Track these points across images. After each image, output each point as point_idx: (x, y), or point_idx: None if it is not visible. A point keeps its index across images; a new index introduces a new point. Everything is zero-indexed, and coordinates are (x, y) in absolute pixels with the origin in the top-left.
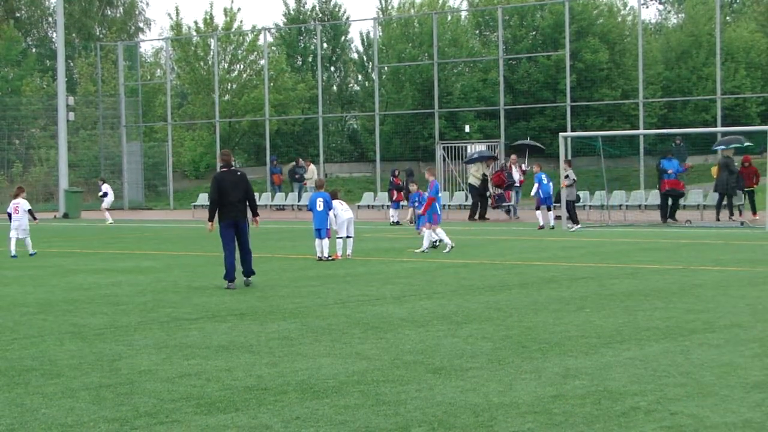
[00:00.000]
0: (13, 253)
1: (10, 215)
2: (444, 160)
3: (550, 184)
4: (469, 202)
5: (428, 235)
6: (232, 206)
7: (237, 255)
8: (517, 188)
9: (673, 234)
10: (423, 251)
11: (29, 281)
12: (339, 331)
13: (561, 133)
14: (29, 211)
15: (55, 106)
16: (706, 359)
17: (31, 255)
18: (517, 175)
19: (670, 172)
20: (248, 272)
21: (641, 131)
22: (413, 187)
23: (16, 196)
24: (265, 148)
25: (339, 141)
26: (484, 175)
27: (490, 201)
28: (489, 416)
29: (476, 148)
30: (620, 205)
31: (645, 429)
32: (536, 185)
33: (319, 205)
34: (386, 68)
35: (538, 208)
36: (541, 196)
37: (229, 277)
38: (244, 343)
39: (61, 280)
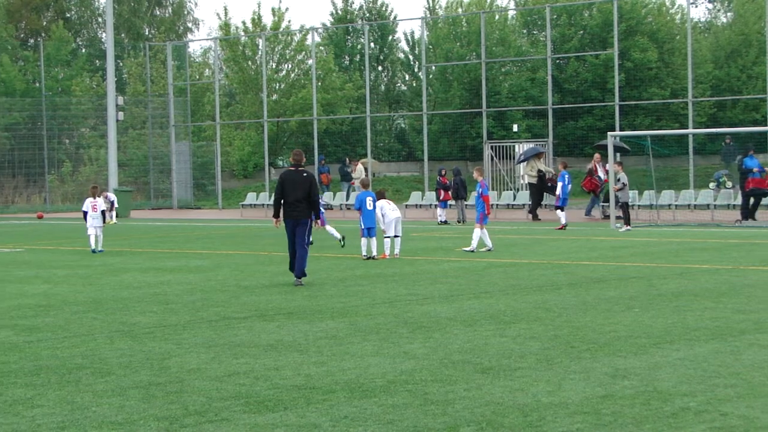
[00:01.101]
0: (93, 247)
1: (85, 213)
2: (492, 159)
3: (570, 185)
4: (519, 201)
5: (477, 234)
6: (291, 205)
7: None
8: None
9: (722, 234)
10: (471, 250)
11: (80, 280)
12: (387, 330)
13: (609, 133)
14: (102, 212)
15: (105, 105)
16: (756, 360)
17: (95, 252)
18: (602, 175)
19: (756, 170)
20: (298, 273)
21: (690, 131)
22: (475, 175)
23: (92, 195)
24: (313, 147)
25: (387, 140)
26: (539, 171)
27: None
28: (538, 416)
29: (524, 147)
30: (669, 205)
31: (695, 430)
32: (560, 184)
33: (369, 204)
34: (434, 67)
35: (558, 208)
36: (560, 196)
37: (296, 273)
38: (292, 342)
39: (111, 279)
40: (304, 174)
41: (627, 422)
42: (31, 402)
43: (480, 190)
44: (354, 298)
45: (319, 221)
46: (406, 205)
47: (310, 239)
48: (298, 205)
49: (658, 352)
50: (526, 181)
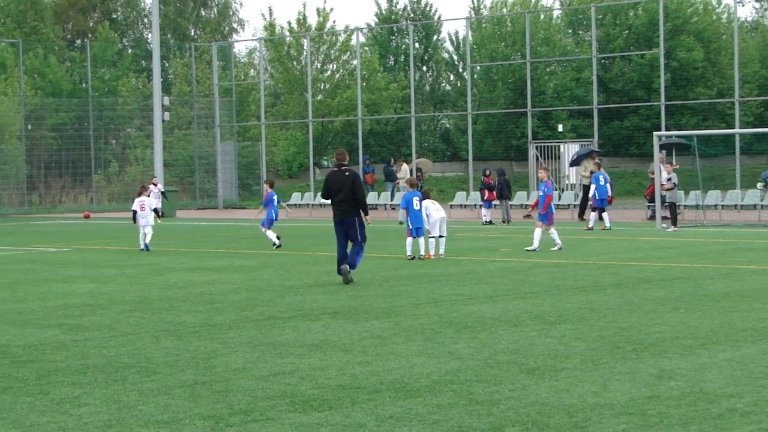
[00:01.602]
0: (141, 246)
1: (135, 213)
2: (537, 159)
3: (608, 185)
4: (564, 201)
5: (543, 234)
6: (337, 204)
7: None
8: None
9: None
10: (534, 249)
11: (126, 280)
12: (432, 330)
13: (655, 133)
14: (154, 210)
15: (151, 106)
16: None
17: (143, 250)
18: (665, 174)
19: None
20: (350, 262)
21: (737, 130)
22: (541, 174)
23: (140, 194)
24: (357, 147)
25: (431, 140)
26: (592, 172)
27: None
28: (583, 417)
29: (569, 147)
30: (715, 205)
31: (742, 431)
32: (593, 186)
33: (416, 203)
34: (478, 67)
35: (594, 210)
36: (597, 197)
37: (339, 269)
38: (337, 342)
39: (157, 279)
40: (347, 173)
41: (673, 423)
42: (78, 400)
43: (545, 189)
44: (399, 298)
45: (367, 218)
46: (451, 206)
47: (365, 235)
48: (343, 204)
49: (704, 353)
50: (581, 182)
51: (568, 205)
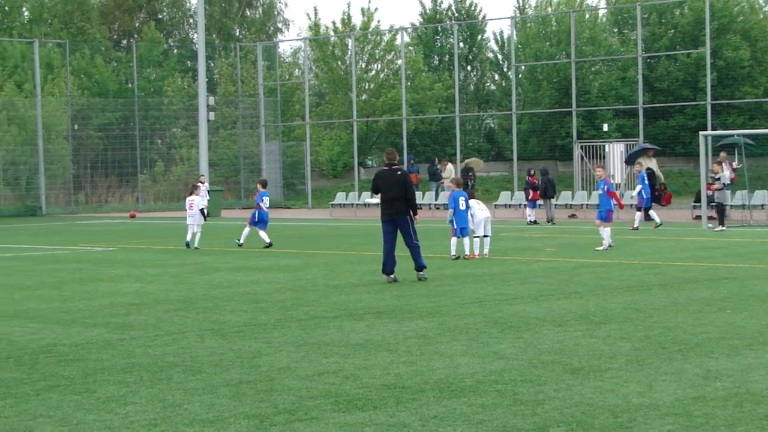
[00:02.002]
0: (190, 242)
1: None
2: (582, 159)
3: (649, 185)
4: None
5: (607, 233)
6: (389, 203)
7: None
8: (729, 187)
9: None
10: (605, 249)
11: (171, 279)
12: (476, 330)
13: (701, 132)
14: (201, 210)
15: (196, 106)
16: None
17: (189, 247)
18: (728, 173)
19: None
20: (418, 266)
21: None
22: (599, 173)
23: (191, 193)
24: (402, 147)
25: (476, 140)
26: (649, 168)
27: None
28: (628, 417)
29: (614, 147)
30: (762, 205)
31: None
32: (639, 186)
33: (462, 203)
34: (523, 67)
35: (639, 209)
36: (644, 196)
37: (385, 270)
38: (381, 342)
39: (201, 278)
40: (398, 172)
41: (719, 424)
42: (123, 399)
43: (605, 187)
44: (443, 297)
45: (416, 217)
46: (495, 205)
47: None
48: (395, 203)
49: (750, 353)
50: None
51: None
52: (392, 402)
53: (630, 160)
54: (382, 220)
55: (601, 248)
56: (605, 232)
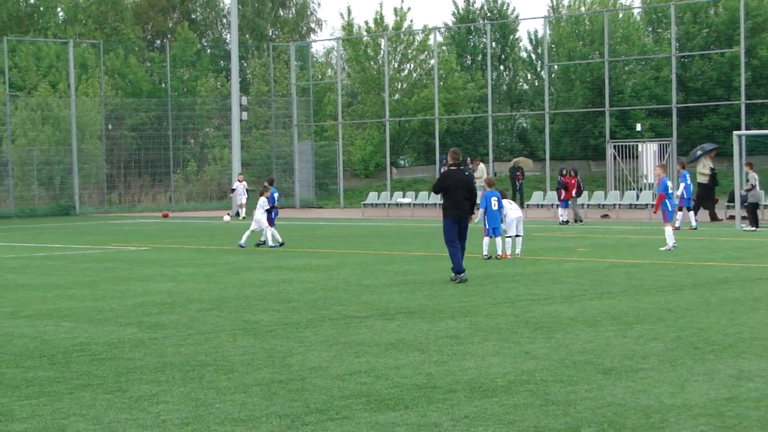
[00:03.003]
0: (276, 241)
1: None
2: (615, 159)
3: (691, 184)
4: (642, 201)
5: (668, 232)
6: (457, 203)
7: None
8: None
9: None
10: (669, 249)
11: (203, 278)
12: (508, 330)
13: (735, 132)
14: (267, 210)
15: (229, 105)
16: None
17: (265, 245)
18: (755, 175)
19: None
20: (460, 269)
21: None
22: (658, 171)
23: (261, 194)
24: (434, 147)
25: (508, 140)
26: (711, 169)
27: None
28: (660, 418)
29: (648, 146)
30: None
31: None
32: (682, 185)
33: (494, 203)
34: (556, 66)
35: (681, 209)
36: (685, 196)
37: (457, 269)
38: (413, 341)
39: (233, 278)
40: (466, 173)
41: (752, 425)
42: (156, 398)
43: (657, 187)
44: (475, 297)
45: (472, 216)
46: (528, 205)
47: None
48: (464, 204)
49: None
50: (698, 180)
51: (646, 204)
52: (423, 402)
53: (694, 159)
54: (447, 219)
55: (664, 248)
56: (667, 231)
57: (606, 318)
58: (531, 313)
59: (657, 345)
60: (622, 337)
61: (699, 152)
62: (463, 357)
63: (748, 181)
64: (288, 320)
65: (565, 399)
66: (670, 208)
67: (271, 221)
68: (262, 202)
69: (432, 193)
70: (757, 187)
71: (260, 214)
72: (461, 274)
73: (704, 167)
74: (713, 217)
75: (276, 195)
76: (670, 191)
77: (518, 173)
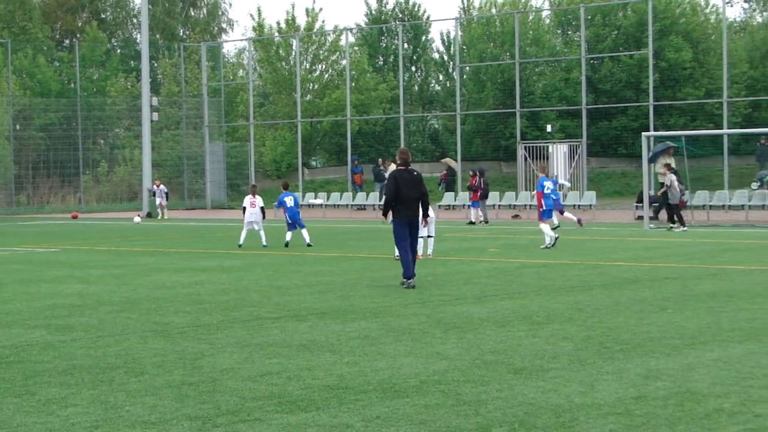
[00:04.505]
0: (241, 242)
1: (245, 209)
2: (525, 159)
3: (552, 192)
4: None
5: (545, 229)
6: (408, 205)
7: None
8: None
9: (757, 234)
10: (547, 246)
11: (114, 280)
12: (419, 330)
13: (644, 133)
14: (261, 208)
15: (139, 106)
16: None
17: (264, 246)
18: (672, 176)
19: None
20: (410, 274)
21: (725, 131)
22: (538, 172)
23: (252, 194)
24: (346, 148)
25: (420, 141)
26: (672, 168)
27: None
28: (570, 417)
29: (558, 147)
30: (703, 205)
31: (728, 431)
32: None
33: None
34: (467, 68)
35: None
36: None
37: (406, 273)
38: (325, 343)
39: (144, 279)
40: (415, 173)
41: (660, 423)
42: (65, 401)
43: (538, 186)
44: (387, 298)
45: (426, 219)
46: (439, 206)
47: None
48: (414, 205)
49: (691, 353)
50: (660, 180)
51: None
52: (335, 403)
53: (653, 158)
54: (397, 223)
55: (543, 246)
56: (543, 227)
57: (517, 318)
58: (442, 313)
59: (567, 344)
60: (532, 337)
61: (651, 154)
62: (375, 358)
63: (663, 183)
64: (199, 322)
65: (476, 399)
66: (545, 207)
67: (293, 224)
68: (260, 201)
69: (384, 201)
70: (676, 187)
71: (260, 217)
72: (410, 280)
73: (661, 167)
74: (670, 217)
75: (286, 198)
76: (547, 191)
77: (452, 176)
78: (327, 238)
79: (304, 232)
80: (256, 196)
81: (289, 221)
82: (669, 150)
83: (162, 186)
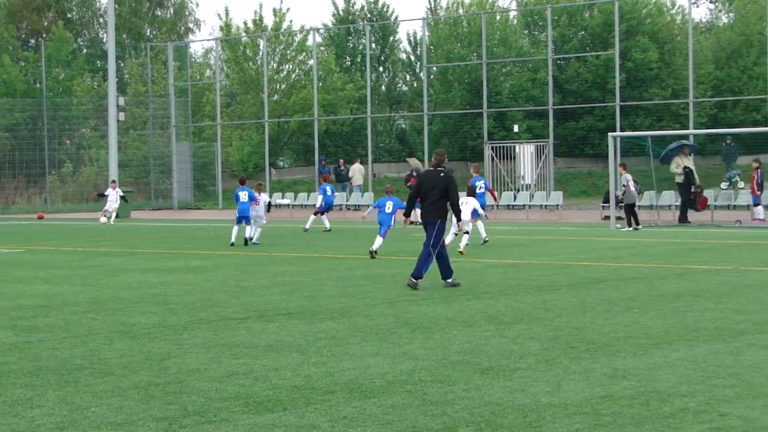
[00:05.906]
0: (233, 240)
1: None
2: (492, 159)
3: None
4: (519, 202)
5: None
6: (425, 206)
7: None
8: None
9: (723, 234)
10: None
11: (80, 280)
12: (386, 330)
13: (610, 133)
14: (267, 203)
15: (106, 106)
16: (755, 360)
17: (254, 243)
18: (629, 176)
19: None
20: (417, 274)
21: (691, 131)
22: (472, 171)
23: (258, 191)
24: (313, 148)
25: (387, 141)
26: (686, 167)
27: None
28: (537, 416)
29: (525, 147)
30: (669, 206)
31: (694, 430)
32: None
33: (389, 207)
34: (435, 68)
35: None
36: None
37: (415, 273)
38: (292, 343)
39: (110, 280)
40: (442, 174)
41: (626, 422)
42: (30, 402)
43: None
44: (354, 298)
45: (461, 223)
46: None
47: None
48: (431, 206)
49: (657, 352)
50: (677, 180)
51: (523, 205)
52: (302, 403)
53: (665, 159)
54: (423, 223)
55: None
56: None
57: (483, 318)
58: (409, 313)
59: (534, 344)
60: (499, 337)
61: (664, 153)
62: (342, 358)
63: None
64: (166, 322)
65: (443, 399)
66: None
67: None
68: (263, 198)
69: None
70: (631, 188)
71: (262, 212)
72: (416, 280)
73: (678, 166)
74: (682, 219)
75: (327, 188)
76: (479, 191)
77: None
78: (293, 238)
79: (249, 229)
80: (262, 193)
81: (238, 215)
82: (684, 149)
83: (118, 189)
